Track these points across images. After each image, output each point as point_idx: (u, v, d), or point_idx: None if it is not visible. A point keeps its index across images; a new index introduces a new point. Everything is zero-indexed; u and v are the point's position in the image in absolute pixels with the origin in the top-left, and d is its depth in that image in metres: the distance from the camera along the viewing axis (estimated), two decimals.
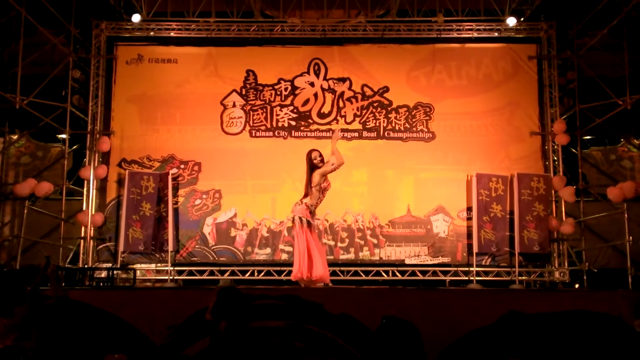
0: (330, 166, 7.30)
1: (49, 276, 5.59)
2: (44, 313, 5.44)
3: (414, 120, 9.84)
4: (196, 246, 9.49)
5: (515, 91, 9.95)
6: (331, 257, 9.47)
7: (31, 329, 5.29)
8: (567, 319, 6.03)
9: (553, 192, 9.57)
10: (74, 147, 9.85)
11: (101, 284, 8.63)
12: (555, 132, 9.63)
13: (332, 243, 9.48)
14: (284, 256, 9.38)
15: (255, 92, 9.93)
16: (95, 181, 9.54)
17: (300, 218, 7.25)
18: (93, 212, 9.42)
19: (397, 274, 9.33)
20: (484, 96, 9.91)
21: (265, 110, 9.88)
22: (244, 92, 9.93)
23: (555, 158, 9.76)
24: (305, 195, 7.30)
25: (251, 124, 9.84)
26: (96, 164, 9.58)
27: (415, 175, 9.73)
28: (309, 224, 7.26)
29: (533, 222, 9.26)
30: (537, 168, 9.71)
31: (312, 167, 7.30)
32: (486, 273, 9.40)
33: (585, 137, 9.93)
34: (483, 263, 9.40)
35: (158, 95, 9.87)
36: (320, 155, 7.34)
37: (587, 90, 9.57)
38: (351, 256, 9.49)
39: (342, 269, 9.31)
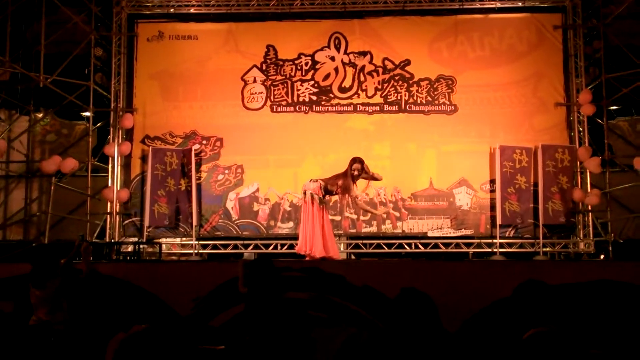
0: (360, 193, 7.65)
1: (82, 252, 5.75)
2: (75, 286, 5.59)
3: (435, 93, 9.75)
4: (220, 221, 9.59)
5: (539, 61, 9.78)
6: (353, 231, 9.52)
7: (62, 301, 5.43)
8: (592, 289, 6.01)
9: (578, 163, 9.43)
10: (98, 124, 9.96)
11: (128, 258, 8.80)
12: (580, 102, 9.46)
13: (354, 216, 9.50)
14: None
15: (275, 67, 9.91)
16: (119, 158, 9.66)
17: (311, 194, 7.30)
18: (118, 188, 9.55)
19: (420, 246, 9.33)
20: (508, 67, 9.76)
21: (285, 85, 9.87)
22: (264, 68, 9.91)
23: (581, 129, 9.61)
24: (328, 180, 7.40)
25: (272, 99, 9.84)
26: (120, 141, 9.69)
27: (437, 148, 9.66)
28: (320, 201, 7.31)
29: (558, 194, 9.18)
30: (562, 139, 9.57)
31: (350, 174, 7.36)
32: (510, 245, 9.36)
33: (611, 108, 9.74)
34: (507, 235, 9.36)
35: (179, 72, 9.90)
36: (361, 168, 7.39)
37: (613, 60, 9.36)
38: (373, 229, 9.50)
39: (364, 242, 9.35)
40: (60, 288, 5.44)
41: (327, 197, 7.60)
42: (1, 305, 6.11)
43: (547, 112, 9.70)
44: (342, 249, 9.06)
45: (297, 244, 7.59)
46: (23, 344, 5.24)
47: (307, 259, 7.23)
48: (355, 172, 7.36)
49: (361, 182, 7.64)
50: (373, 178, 7.68)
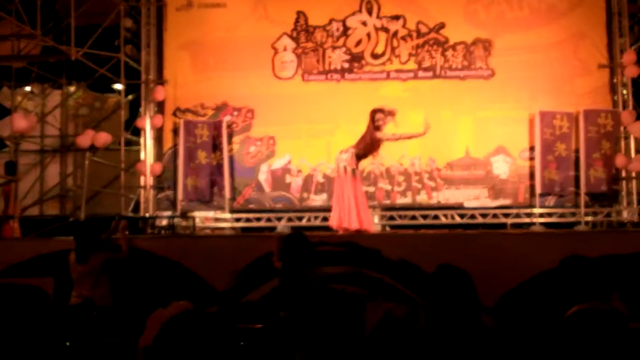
0: (390, 135, 7.31)
1: (120, 230, 5.80)
2: (116, 262, 5.65)
3: (472, 57, 9.44)
4: (252, 193, 9.56)
5: (581, 21, 9.37)
6: (388, 202, 9.39)
7: (105, 276, 5.51)
8: (637, 261, 5.82)
9: (622, 128, 9.09)
10: (130, 97, 9.95)
11: (162, 232, 8.86)
12: (624, 63, 9.06)
13: (388, 187, 9.36)
14: None
15: (306, 35, 9.69)
16: (151, 131, 9.65)
17: (344, 167, 7.16)
18: (151, 162, 9.57)
19: (456, 217, 9.17)
20: (548, 28, 9.38)
21: (317, 52, 9.66)
22: (294, 35, 9.71)
23: (625, 92, 9.24)
24: (356, 146, 7.26)
25: (303, 68, 9.66)
26: (152, 114, 9.67)
27: (473, 115, 9.40)
28: (353, 172, 7.18)
29: (600, 160, 8.90)
30: (605, 103, 9.23)
31: (374, 126, 7.24)
32: (550, 214, 9.13)
33: None
34: (546, 204, 9.12)
35: (208, 42, 9.78)
36: (385, 116, 7.24)
37: None
38: (408, 200, 9.36)
39: (399, 213, 9.22)
40: (105, 263, 5.51)
41: (360, 166, 7.48)
42: (41, 281, 6.19)
43: (589, 74, 9.33)
44: (376, 220, 8.94)
45: (330, 217, 7.48)
46: (66, 318, 5.32)
47: (340, 232, 7.14)
48: (379, 122, 7.25)
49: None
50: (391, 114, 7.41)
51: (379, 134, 7.26)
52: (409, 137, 7.58)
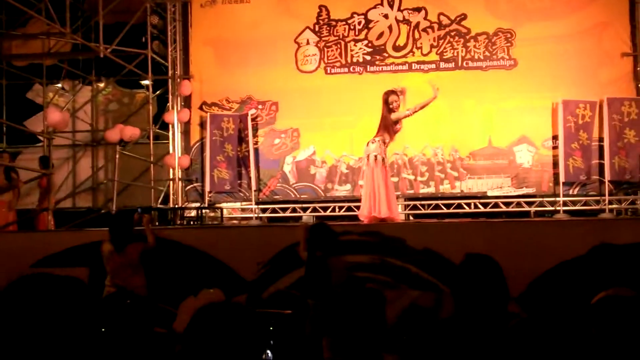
0: (405, 112, 7.25)
1: (144, 224, 5.94)
2: (148, 253, 5.82)
3: (494, 47, 9.45)
4: (278, 185, 9.73)
5: (604, 10, 9.31)
6: (411, 192, 9.48)
7: (141, 266, 5.66)
8: None
9: None
10: (157, 92, 10.18)
11: (191, 223, 9.08)
12: None
13: (411, 177, 9.45)
14: None
15: (328, 28, 9.80)
16: (179, 125, 9.87)
17: (375, 156, 7.21)
18: (179, 155, 9.79)
19: (480, 206, 9.22)
20: (570, 17, 9.34)
21: (339, 46, 9.76)
22: (317, 29, 9.82)
23: None
24: (379, 134, 7.28)
25: (326, 61, 9.77)
26: (179, 108, 9.89)
27: (496, 105, 9.42)
28: (383, 161, 7.22)
29: (624, 149, 8.86)
30: (629, 91, 9.17)
31: (388, 109, 7.26)
32: (574, 203, 9.14)
33: None
34: (570, 193, 9.13)
35: (233, 37, 9.94)
36: (398, 97, 7.27)
37: None
38: (431, 190, 9.44)
39: (422, 202, 9.30)
40: (142, 254, 5.66)
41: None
42: (77, 271, 6.42)
43: (612, 63, 9.27)
44: (400, 210, 9.04)
45: (360, 209, 7.45)
46: (101, 307, 5.52)
47: (365, 221, 7.23)
48: (395, 104, 7.25)
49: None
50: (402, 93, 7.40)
51: (394, 116, 7.22)
52: (423, 106, 7.34)
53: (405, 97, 7.38)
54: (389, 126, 7.25)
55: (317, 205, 9.56)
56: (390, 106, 7.24)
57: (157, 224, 8.93)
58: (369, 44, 9.68)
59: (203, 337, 1.44)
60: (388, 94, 7.31)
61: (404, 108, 7.31)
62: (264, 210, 9.71)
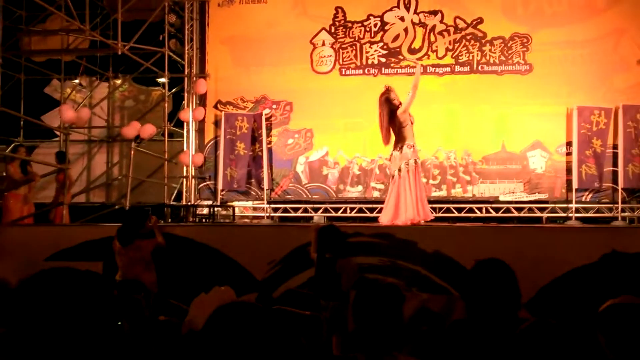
0: (408, 102, 7.18)
1: (154, 227, 5.97)
2: (160, 250, 5.88)
3: (509, 52, 9.44)
4: (290, 184, 9.77)
5: (621, 16, 9.26)
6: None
7: (152, 262, 5.71)
8: None
9: None
10: (173, 90, 10.27)
11: (203, 220, 9.14)
12: None
13: (424, 180, 9.41)
14: (375, 194, 9.49)
15: (344, 30, 9.83)
16: (194, 123, 9.95)
17: (415, 160, 7.11)
18: (193, 153, 9.87)
19: (491, 210, 9.21)
20: (587, 23, 9.30)
21: (354, 47, 9.80)
22: (333, 30, 9.86)
23: None
24: (400, 143, 7.16)
25: (341, 62, 9.81)
26: (194, 106, 9.97)
27: (510, 110, 9.40)
28: (415, 163, 7.13)
29: (638, 156, 8.80)
30: None
31: (391, 109, 7.18)
32: (586, 210, 9.10)
33: None
34: (583, 199, 9.09)
35: (249, 37, 10.00)
36: (395, 92, 7.29)
37: None
38: (443, 193, 9.44)
39: (434, 206, 9.25)
40: (154, 251, 5.72)
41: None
42: (91, 265, 6.50)
43: (628, 70, 9.23)
44: None
45: (383, 215, 7.31)
46: (115, 297, 5.58)
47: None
48: (396, 100, 7.23)
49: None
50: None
51: (402, 109, 7.15)
52: (416, 86, 7.22)
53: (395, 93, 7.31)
54: (402, 127, 7.16)
55: (328, 206, 9.60)
56: (394, 102, 7.21)
57: (169, 220, 9.02)
58: (385, 46, 9.71)
59: (222, 336, 1.47)
60: (386, 93, 7.24)
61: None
62: (275, 210, 9.76)
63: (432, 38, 9.61)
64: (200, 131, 10.04)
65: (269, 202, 9.62)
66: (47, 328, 1.67)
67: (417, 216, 7.08)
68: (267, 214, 9.58)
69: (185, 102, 10.06)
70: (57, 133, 10.32)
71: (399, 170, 7.12)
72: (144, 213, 6.26)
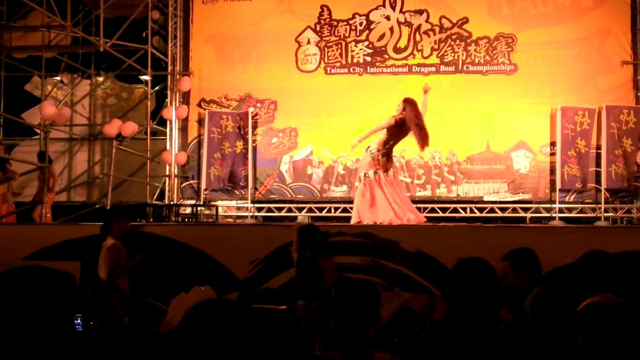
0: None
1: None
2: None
3: (494, 52, 9.44)
4: (274, 184, 9.71)
5: (605, 17, 9.31)
6: (407, 195, 9.43)
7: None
8: None
9: None
10: (156, 88, 10.16)
11: (186, 220, 9.05)
12: None
13: (408, 180, 9.43)
14: None
15: (329, 28, 9.79)
16: (177, 121, 9.85)
17: (375, 172, 7.34)
18: (176, 151, 9.77)
19: (475, 210, 9.21)
20: (572, 24, 9.34)
21: (340, 46, 9.75)
22: (318, 28, 9.81)
23: None
24: (384, 143, 7.39)
25: (326, 61, 9.76)
26: (177, 104, 9.87)
27: (495, 110, 9.41)
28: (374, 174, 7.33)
29: (621, 157, 8.84)
30: (627, 100, 9.17)
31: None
32: (569, 210, 9.13)
33: None
34: (567, 199, 9.11)
35: (233, 34, 9.92)
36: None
37: None
38: (428, 193, 9.42)
39: (418, 206, 9.24)
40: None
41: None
42: (69, 265, 6.40)
43: (612, 71, 9.27)
44: None
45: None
46: (88, 296, 5.50)
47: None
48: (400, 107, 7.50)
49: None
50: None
51: (408, 114, 7.39)
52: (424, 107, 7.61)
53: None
54: (402, 126, 7.45)
55: (312, 205, 9.54)
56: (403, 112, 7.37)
57: (151, 220, 8.92)
58: (370, 45, 9.67)
59: (198, 333, 1.41)
60: (405, 117, 7.43)
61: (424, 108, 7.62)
62: (259, 209, 9.68)
63: (418, 37, 9.59)
64: (184, 129, 9.94)
65: (252, 202, 9.54)
66: (6, 326, 1.61)
67: (395, 219, 7.10)
68: (251, 214, 9.50)
69: (168, 100, 9.96)
70: (37, 131, 10.17)
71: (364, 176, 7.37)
72: (117, 213, 6.20)
